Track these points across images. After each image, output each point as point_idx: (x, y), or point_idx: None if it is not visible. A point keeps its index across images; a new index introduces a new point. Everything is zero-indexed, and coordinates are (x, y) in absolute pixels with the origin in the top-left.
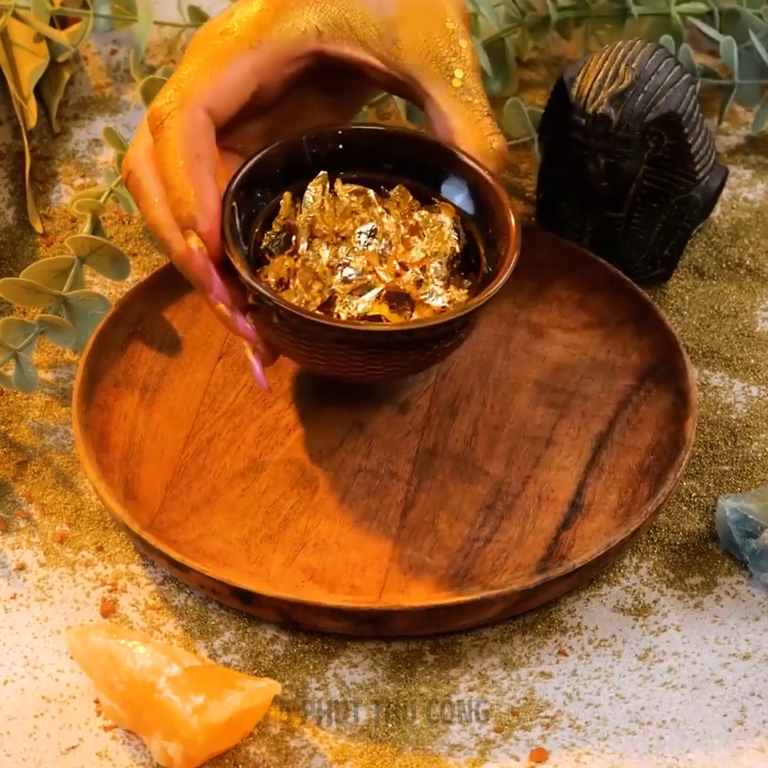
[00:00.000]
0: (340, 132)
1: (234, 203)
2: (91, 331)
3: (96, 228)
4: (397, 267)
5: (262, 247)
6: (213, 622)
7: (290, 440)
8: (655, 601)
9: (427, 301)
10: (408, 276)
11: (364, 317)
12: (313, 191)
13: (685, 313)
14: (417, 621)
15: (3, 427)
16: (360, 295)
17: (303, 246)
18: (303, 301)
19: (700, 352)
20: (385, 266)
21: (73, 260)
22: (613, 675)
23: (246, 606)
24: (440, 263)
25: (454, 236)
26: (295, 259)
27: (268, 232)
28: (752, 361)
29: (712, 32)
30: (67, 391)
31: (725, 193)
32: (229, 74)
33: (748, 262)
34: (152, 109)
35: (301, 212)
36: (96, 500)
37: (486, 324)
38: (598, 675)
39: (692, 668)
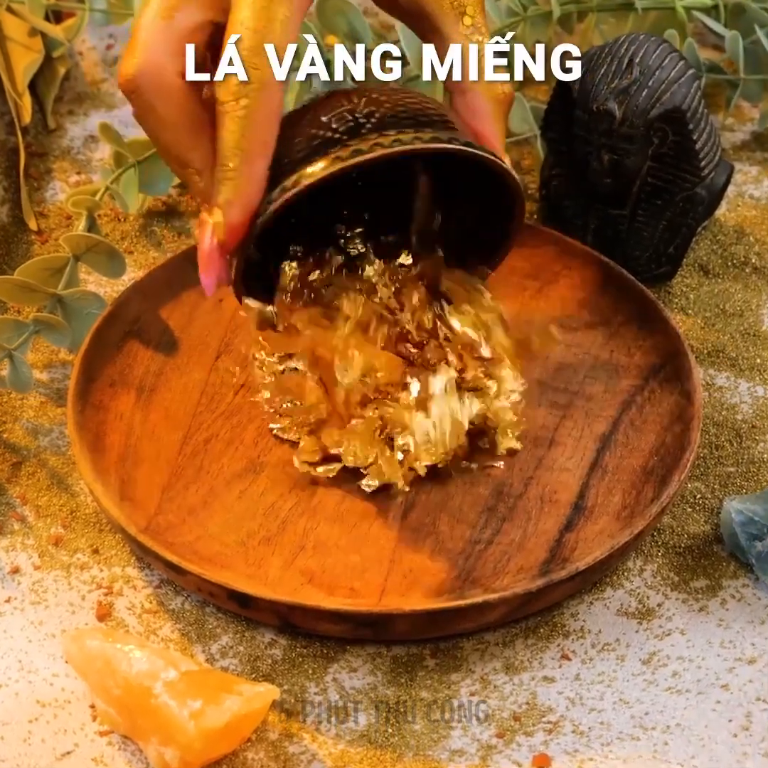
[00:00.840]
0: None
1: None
2: (86, 330)
3: (91, 225)
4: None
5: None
6: (210, 626)
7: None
8: (659, 605)
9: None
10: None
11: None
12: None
13: (689, 311)
14: (417, 624)
15: None
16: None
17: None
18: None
19: (705, 351)
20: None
21: (68, 258)
22: (617, 679)
23: (244, 609)
24: None
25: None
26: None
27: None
28: (758, 360)
29: (718, 27)
30: (62, 391)
31: (730, 190)
32: (292, 27)
33: (753, 260)
34: (228, 83)
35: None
36: (91, 502)
37: None
38: (601, 679)
39: (697, 673)
